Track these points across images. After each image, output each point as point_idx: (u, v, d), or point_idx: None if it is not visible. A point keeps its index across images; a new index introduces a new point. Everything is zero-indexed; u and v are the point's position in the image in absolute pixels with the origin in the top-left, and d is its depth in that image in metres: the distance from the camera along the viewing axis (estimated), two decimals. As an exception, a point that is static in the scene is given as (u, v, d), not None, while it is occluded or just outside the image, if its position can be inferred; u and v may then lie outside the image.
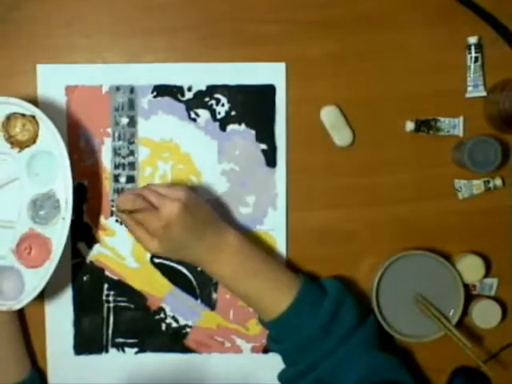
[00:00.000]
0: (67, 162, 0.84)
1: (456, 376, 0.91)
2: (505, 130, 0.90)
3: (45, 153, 0.84)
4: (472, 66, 0.89)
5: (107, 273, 0.91)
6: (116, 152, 0.91)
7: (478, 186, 0.91)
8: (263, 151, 0.91)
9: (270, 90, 0.90)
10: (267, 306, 0.83)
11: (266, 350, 0.92)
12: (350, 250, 0.91)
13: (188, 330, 0.92)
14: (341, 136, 0.90)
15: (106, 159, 0.91)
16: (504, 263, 0.91)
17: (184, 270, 0.91)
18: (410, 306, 0.88)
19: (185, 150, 0.91)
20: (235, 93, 0.90)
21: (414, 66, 0.90)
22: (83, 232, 0.91)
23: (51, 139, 0.84)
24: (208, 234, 0.82)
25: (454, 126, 0.90)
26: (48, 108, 0.89)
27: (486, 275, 0.90)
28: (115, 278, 0.91)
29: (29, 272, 0.84)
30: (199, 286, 0.91)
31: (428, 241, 0.91)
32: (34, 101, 0.88)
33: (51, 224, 0.84)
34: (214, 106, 0.90)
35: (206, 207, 0.84)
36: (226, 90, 0.90)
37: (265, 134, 0.90)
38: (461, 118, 0.91)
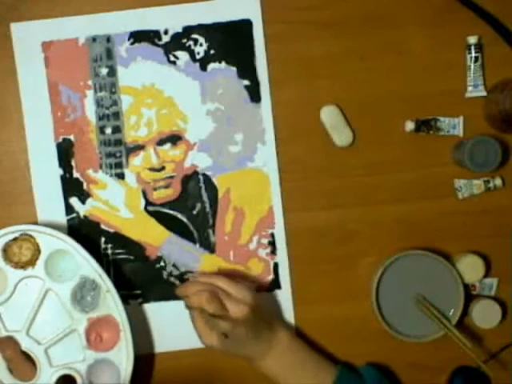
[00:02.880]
0: (77, 246, 0.85)
1: (456, 376, 0.91)
2: (505, 130, 0.90)
3: (54, 253, 0.86)
4: (472, 65, 0.89)
5: (103, 226, 0.91)
6: (99, 103, 0.90)
7: (478, 186, 0.91)
8: (246, 87, 0.90)
9: (246, 24, 0.90)
10: None
11: (269, 289, 0.91)
12: (350, 250, 0.91)
13: (190, 275, 0.91)
14: (341, 136, 0.90)
15: (90, 112, 0.90)
16: (504, 263, 0.91)
17: (179, 216, 0.91)
18: (410, 306, 0.88)
19: (167, 94, 0.90)
20: (212, 31, 0.90)
21: (414, 66, 0.90)
22: (74, 187, 0.90)
23: (53, 241, 0.86)
24: (264, 332, 0.84)
25: (453, 126, 0.90)
26: (26, 67, 0.89)
27: (486, 275, 0.90)
28: (111, 230, 0.91)
29: (112, 353, 0.86)
30: (196, 229, 0.91)
31: (428, 240, 0.91)
32: (11, 62, 0.88)
33: (102, 303, 0.86)
34: (193, 47, 0.90)
35: (264, 307, 0.86)
36: (202, 29, 0.90)
37: (246, 69, 0.90)
38: (461, 118, 0.91)
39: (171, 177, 0.91)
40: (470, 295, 0.90)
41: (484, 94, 0.90)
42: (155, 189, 0.91)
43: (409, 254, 0.88)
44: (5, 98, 0.90)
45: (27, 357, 0.86)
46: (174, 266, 0.91)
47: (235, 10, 0.89)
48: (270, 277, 0.91)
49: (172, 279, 0.91)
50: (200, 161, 0.91)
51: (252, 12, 0.89)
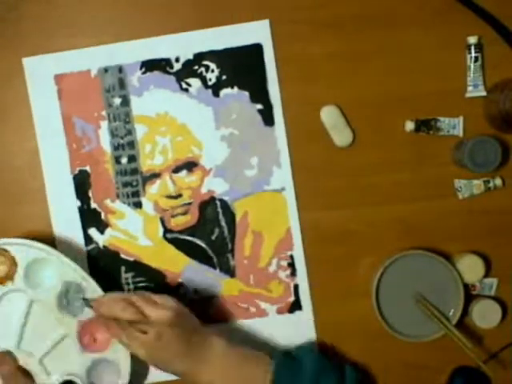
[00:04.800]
0: (54, 252, 0.85)
1: (456, 376, 0.91)
2: (505, 130, 0.90)
3: (32, 264, 0.85)
4: (472, 65, 0.89)
5: (122, 255, 0.91)
6: (113, 134, 0.91)
7: (477, 186, 0.91)
8: (259, 111, 0.91)
9: (257, 49, 0.90)
10: None
11: (291, 310, 0.92)
12: (350, 249, 0.91)
13: (211, 301, 0.92)
14: (341, 136, 0.90)
15: (105, 142, 0.91)
16: (504, 263, 0.91)
17: (198, 242, 0.91)
18: (410, 306, 0.88)
19: (181, 121, 0.91)
20: (223, 57, 0.90)
21: (414, 66, 0.90)
22: (93, 218, 0.91)
23: (28, 251, 0.85)
24: (194, 343, 0.82)
25: (453, 126, 0.90)
26: (40, 100, 0.90)
27: (486, 275, 0.90)
28: (131, 259, 0.91)
29: (109, 352, 0.86)
30: (216, 254, 0.91)
31: (428, 241, 0.91)
32: (25, 96, 0.89)
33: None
34: (204, 73, 0.90)
35: (193, 316, 0.84)
36: (213, 55, 0.90)
37: (258, 93, 0.90)
38: (461, 118, 0.91)
39: (188, 203, 0.91)
40: (469, 295, 0.90)
41: (484, 94, 0.90)
42: (173, 216, 0.91)
43: (409, 253, 0.88)
44: (19, 132, 0.91)
45: (25, 372, 0.86)
46: (195, 292, 0.92)
47: (245, 35, 0.90)
48: (291, 299, 0.92)
49: (194, 305, 0.90)
50: (216, 186, 0.91)
51: (262, 36, 0.89)
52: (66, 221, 0.91)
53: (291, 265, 0.91)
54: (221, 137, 0.90)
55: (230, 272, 0.91)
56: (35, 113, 0.90)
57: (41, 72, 0.90)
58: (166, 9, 0.90)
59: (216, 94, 0.90)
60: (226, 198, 0.91)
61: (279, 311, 0.92)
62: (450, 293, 0.88)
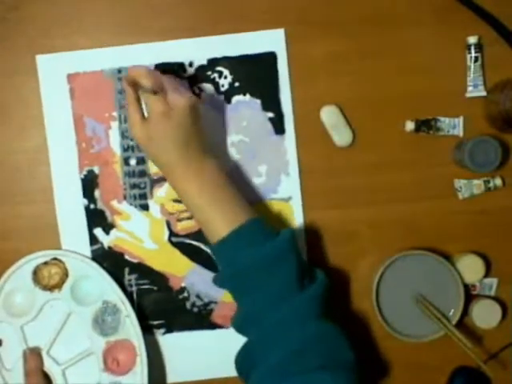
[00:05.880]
0: (102, 271, 0.89)
1: (456, 376, 0.91)
2: (505, 129, 0.90)
3: (80, 278, 0.89)
4: (472, 65, 0.89)
5: (127, 257, 0.91)
6: (124, 135, 0.91)
7: (478, 185, 0.91)
8: (270, 119, 0.90)
9: (271, 57, 0.90)
10: (213, 230, 0.80)
11: None
12: (351, 249, 0.91)
13: (213, 306, 0.92)
14: (341, 136, 0.90)
15: (115, 143, 0.91)
16: (504, 263, 0.91)
17: (203, 247, 0.91)
18: (411, 306, 0.88)
19: None
20: (237, 64, 0.90)
21: (414, 66, 0.90)
22: (99, 218, 0.91)
23: (80, 266, 0.89)
24: (191, 147, 0.80)
25: (453, 126, 0.90)
26: (52, 98, 0.90)
27: (486, 275, 0.90)
28: (135, 261, 0.91)
29: (127, 377, 0.88)
30: None
31: (428, 241, 0.91)
32: (37, 93, 0.89)
33: (121, 327, 0.88)
34: (217, 79, 0.90)
35: (201, 123, 0.83)
36: (227, 61, 0.90)
37: (270, 102, 0.90)
38: (461, 118, 0.91)
39: None
40: (469, 295, 0.90)
41: (484, 94, 0.90)
42: (179, 220, 0.91)
43: (409, 254, 0.88)
44: (30, 130, 0.91)
45: (46, 376, 0.88)
46: (198, 296, 0.92)
47: (260, 43, 0.89)
48: None
49: (195, 310, 0.92)
50: None
51: (277, 45, 0.89)
52: (72, 220, 0.91)
53: None
54: (231, 143, 0.90)
55: None
56: (46, 110, 0.90)
57: (54, 70, 0.90)
58: (181, 13, 0.90)
59: (228, 100, 0.90)
60: None
61: None
62: (450, 293, 0.88)
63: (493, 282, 0.91)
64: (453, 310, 0.88)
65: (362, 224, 0.91)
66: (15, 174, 0.91)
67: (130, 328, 0.88)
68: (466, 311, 0.90)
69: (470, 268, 0.89)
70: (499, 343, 0.91)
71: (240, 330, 0.81)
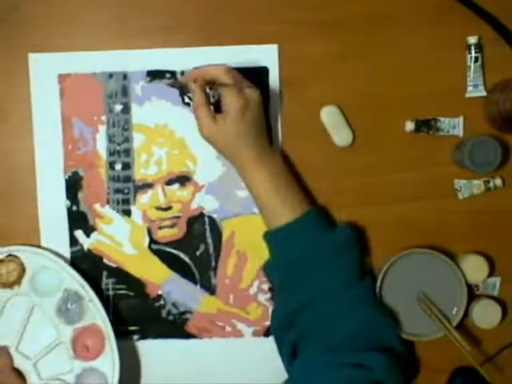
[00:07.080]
0: (59, 260, 0.88)
1: (456, 376, 0.91)
2: (505, 130, 0.90)
3: (38, 270, 0.88)
4: (472, 65, 0.89)
5: (105, 260, 0.91)
6: (111, 139, 0.91)
7: (478, 186, 0.91)
8: None
9: (262, 71, 0.90)
10: (274, 217, 0.84)
11: (266, 334, 0.92)
12: (350, 250, 0.91)
13: (188, 315, 0.92)
14: (341, 136, 0.90)
15: (101, 147, 0.91)
16: (505, 263, 0.91)
17: (182, 256, 0.91)
18: (412, 305, 0.88)
19: (179, 135, 0.91)
20: None
21: (414, 66, 0.90)
22: (80, 220, 0.91)
23: (37, 259, 0.88)
24: (261, 138, 0.84)
25: (453, 126, 0.90)
26: (41, 97, 0.89)
27: (489, 275, 0.89)
28: (113, 265, 0.91)
29: (99, 361, 0.88)
30: (198, 270, 0.91)
31: (428, 241, 0.91)
32: (26, 91, 0.89)
33: (85, 313, 0.88)
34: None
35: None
36: None
37: None
38: (461, 118, 0.91)
39: (177, 217, 0.91)
40: (471, 295, 0.90)
41: (484, 94, 0.90)
42: (160, 227, 0.91)
43: (413, 252, 0.88)
44: (17, 126, 0.90)
45: (18, 372, 0.87)
46: (174, 305, 0.92)
47: (252, 57, 0.90)
48: (267, 323, 0.91)
49: (170, 318, 0.92)
50: (207, 203, 0.91)
51: (269, 60, 0.89)
52: (53, 220, 0.90)
53: (272, 289, 0.91)
54: (217, 155, 0.89)
55: (210, 289, 0.91)
56: (35, 109, 0.90)
57: (45, 69, 0.89)
58: (175, 22, 0.90)
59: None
60: (214, 216, 0.91)
61: (255, 334, 0.92)
62: (453, 292, 0.88)
63: (496, 281, 0.91)
64: (456, 309, 0.88)
65: (362, 224, 0.91)
66: (7, 173, 0.91)
67: (95, 312, 0.87)
68: (466, 311, 0.89)
69: (474, 268, 0.89)
70: (499, 343, 0.91)
71: (292, 317, 0.83)
